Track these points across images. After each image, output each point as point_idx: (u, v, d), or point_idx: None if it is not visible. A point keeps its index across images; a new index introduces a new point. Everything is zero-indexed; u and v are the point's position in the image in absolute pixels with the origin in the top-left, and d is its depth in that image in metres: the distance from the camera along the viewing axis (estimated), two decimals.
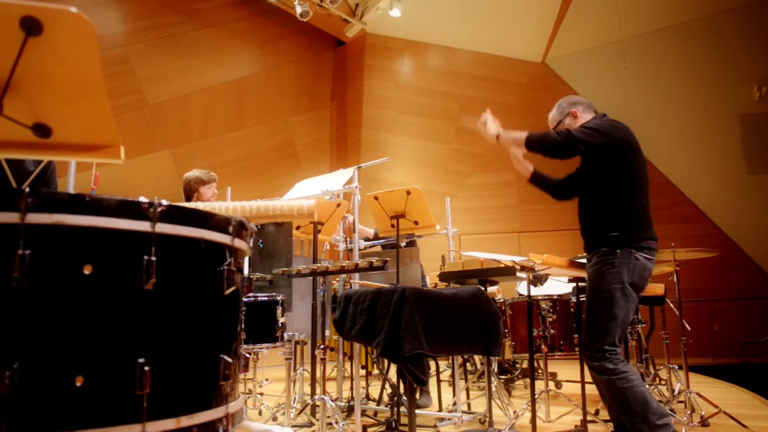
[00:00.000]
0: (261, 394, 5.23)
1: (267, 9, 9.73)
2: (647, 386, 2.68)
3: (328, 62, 11.16)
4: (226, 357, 1.32)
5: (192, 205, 1.58)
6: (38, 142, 1.11)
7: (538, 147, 2.69)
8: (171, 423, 1.15)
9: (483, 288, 3.62)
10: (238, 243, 1.42)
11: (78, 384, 1.05)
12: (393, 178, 10.35)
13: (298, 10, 8.90)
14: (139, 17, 8.19)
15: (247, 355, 1.53)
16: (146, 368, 1.11)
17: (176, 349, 1.20)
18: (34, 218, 1.04)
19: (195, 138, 8.98)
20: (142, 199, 1.15)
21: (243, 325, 3.06)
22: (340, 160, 10.93)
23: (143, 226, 1.16)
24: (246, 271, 3.87)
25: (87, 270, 1.08)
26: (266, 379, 6.18)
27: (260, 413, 4.22)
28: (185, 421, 1.18)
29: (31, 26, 0.93)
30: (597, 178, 2.75)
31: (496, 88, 10.47)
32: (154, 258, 1.15)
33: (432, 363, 4.70)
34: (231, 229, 1.38)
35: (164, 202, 1.19)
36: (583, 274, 3.18)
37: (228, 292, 1.35)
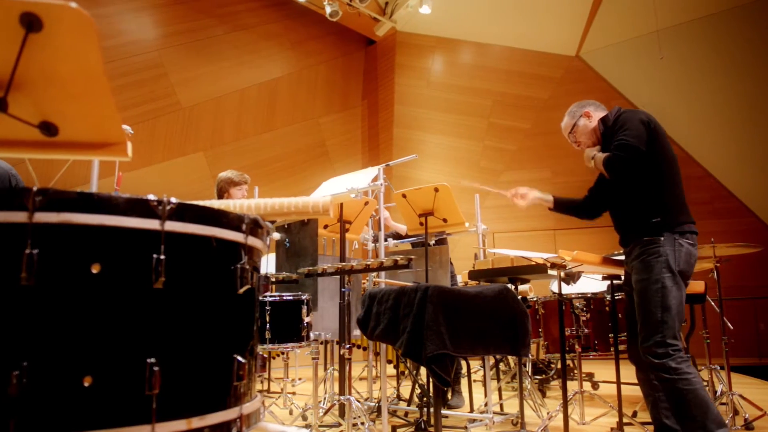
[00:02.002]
0: (293, 393, 5.25)
1: (297, 10, 9.79)
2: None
3: (358, 62, 11.16)
4: (239, 357, 1.30)
5: (206, 203, 1.57)
6: (45, 140, 1.10)
7: (611, 169, 2.59)
8: (182, 424, 1.13)
9: (514, 286, 3.55)
10: (252, 241, 1.40)
11: (86, 384, 1.03)
12: (425, 177, 10.29)
13: (328, 10, 8.92)
14: (172, 22, 8.34)
15: (265, 356, 1.51)
16: (156, 368, 1.09)
17: (187, 349, 1.18)
18: (42, 217, 1.03)
19: (228, 140, 9.09)
20: (151, 196, 1.14)
21: (268, 325, 3.08)
22: (372, 160, 10.92)
23: (152, 224, 1.14)
24: (273, 271, 3.89)
25: (95, 269, 1.07)
26: (299, 379, 6.20)
27: (291, 413, 4.22)
28: (196, 422, 1.16)
29: (30, 22, 0.92)
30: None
31: (528, 83, 10.29)
32: (163, 256, 1.13)
33: (464, 363, 4.63)
34: (244, 227, 1.36)
35: (173, 199, 1.17)
36: (617, 271, 3.08)
37: (242, 291, 1.33)
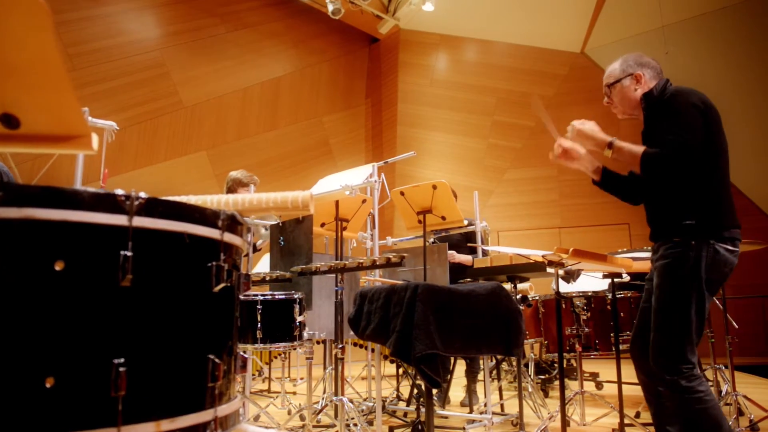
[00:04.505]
0: (293, 393, 5.22)
1: (299, 9, 9.76)
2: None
3: (362, 60, 11.12)
4: (214, 357, 1.26)
5: (184, 198, 1.53)
6: (8, 133, 1.07)
7: (651, 169, 2.27)
8: (150, 427, 1.09)
9: (513, 284, 3.50)
10: (230, 237, 1.36)
11: (48, 385, 0.99)
12: (429, 175, 10.23)
13: (330, 8, 8.87)
14: (174, 21, 8.33)
15: (245, 355, 1.46)
16: (122, 369, 1.05)
17: (157, 349, 1.14)
18: (2, 213, 1.00)
19: (230, 139, 9.08)
20: (118, 191, 1.10)
21: (260, 324, 3.04)
22: (375, 158, 10.87)
23: (120, 219, 1.10)
24: (267, 269, 3.85)
25: (58, 266, 1.03)
26: (300, 378, 6.17)
27: (289, 413, 4.18)
28: (166, 424, 1.12)
29: None
30: None
31: (533, 80, 10.21)
32: (130, 253, 1.09)
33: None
34: (220, 223, 1.32)
35: (142, 194, 1.13)
36: (615, 269, 3.02)
37: (217, 289, 1.29)
